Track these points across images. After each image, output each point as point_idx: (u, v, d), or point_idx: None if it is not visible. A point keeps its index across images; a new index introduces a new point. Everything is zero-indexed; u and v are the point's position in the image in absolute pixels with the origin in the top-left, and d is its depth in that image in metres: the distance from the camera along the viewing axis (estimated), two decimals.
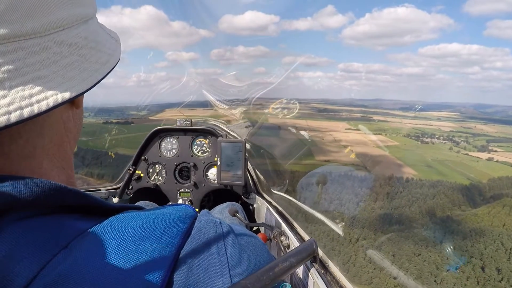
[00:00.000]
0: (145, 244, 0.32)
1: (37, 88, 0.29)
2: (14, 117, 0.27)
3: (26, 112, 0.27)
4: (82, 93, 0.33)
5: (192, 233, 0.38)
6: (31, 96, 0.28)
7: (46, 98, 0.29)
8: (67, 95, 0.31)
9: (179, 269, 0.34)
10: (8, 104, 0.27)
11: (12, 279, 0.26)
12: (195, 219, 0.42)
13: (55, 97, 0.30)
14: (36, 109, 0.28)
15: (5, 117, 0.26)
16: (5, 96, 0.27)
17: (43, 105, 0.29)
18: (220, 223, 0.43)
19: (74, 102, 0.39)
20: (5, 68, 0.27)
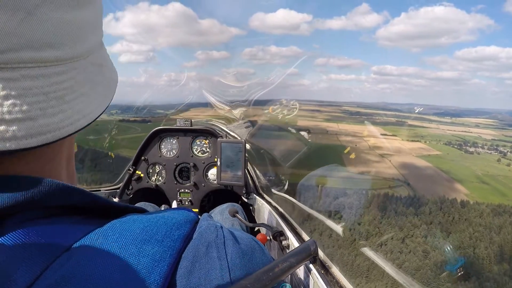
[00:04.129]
0: (146, 247, 0.33)
1: (84, 104, 0.33)
2: (73, 128, 0.32)
3: (79, 124, 0.32)
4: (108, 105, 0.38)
5: (194, 237, 0.39)
6: (79, 112, 0.32)
7: (90, 112, 0.34)
8: (101, 108, 0.36)
9: (180, 273, 0.34)
10: (69, 117, 0.31)
11: (15, 280, 0.26)
12: (196, 223, 0.42)
13: (95, 112, 0.35)
14: (85, 122, 0.33)
15: (69, 127, 0.31)
16: (65, 111, 0.31)
17: (91, 118, 0.34)
18: (221, 227, 0.44)
19: None
20: (65, 85, 0.31)
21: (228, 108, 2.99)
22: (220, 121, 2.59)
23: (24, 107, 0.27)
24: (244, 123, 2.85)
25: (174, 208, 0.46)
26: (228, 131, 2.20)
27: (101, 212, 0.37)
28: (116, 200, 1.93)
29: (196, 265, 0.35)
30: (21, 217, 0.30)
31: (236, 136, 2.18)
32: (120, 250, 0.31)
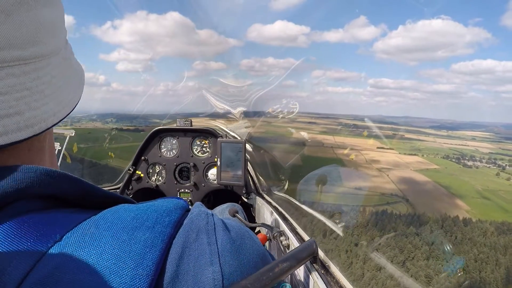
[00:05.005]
0: (137, 234, 0.33)
1: (62, 96, 0.35)
2: (54, 120, 0.34)
3: (60, 115, 0.35)
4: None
5: (184, 223, 0.39)
6: (60, 102, 0.35)
7: (69, 102, 0.37)
8: (76, 99, 0.39)
9: (170, 258, 0.34)
10: (51, 109, 0.33)
11: (9, 273, 0.27)
12: (187, 210, 0.43)
13: (72, 102, 0.38)
14: (65, 112, 0.36)
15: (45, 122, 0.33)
16: (47, 103, 0.33)
17: (68, 109, 0.36)
18: (212, 214, 0.44)
19: None
20: (43, 80, 0.33)
21: (228, 108, 2.99)
22: (220, 121, 2.59)
23: (12, 103, 0.29)
24: (244, 123, 2.85)
25: (164, 197, 0.47)
26: (228, 131, 2.20)
27: (92, 204, 0.38)
28: None
29: (186, 250, 0.36)
30: (14, 208, 0.31)
31: (236, 136, 2.18)
32: (112, 238, 0.32)
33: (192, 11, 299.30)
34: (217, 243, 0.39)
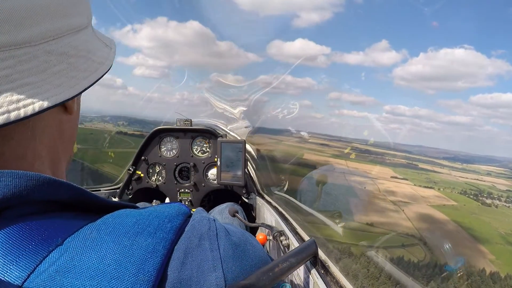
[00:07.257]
0: (139, 240, 0.33)
1: (25, 94, 0.31)
2: (1, 119, 0.29)
3: (13, 116, 0.29)
4: (68, 99, 0.34)
5: (186, 229, 0.39)
6: (18, 101, 0.30)
7: (33, 103, 0.31)
8: (53, 100, 0.32)
9: (172, 264, 0.34)
10: None
11: (9, 275, 0.27)
12: (189, 216, 0.43)
13: (41, 102, 0.31)
14: (22, 113, 0.30)
15: None
16: None
17: (29, 110, 0.30)
18: (214, 220, 0.44)
19: (66, 108, 0.40)
20: None
21: (228, 108, 2.98)
22: (220, 121, 2.59)
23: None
24: (244, 123, 2.84)
25: (166, 203, 0.47)
26: (228, 131, 2.20)
27: (93, 208, 0.37)
28: (115, 200, 1.93)
29: (188, 256, 0.36)
30: (14, 212, 0.30)
31: (236, 136, 2.18)
32: (113, 243, 0.32)
33: (213, 23, 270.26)
34: (219, 249, 0.39)
